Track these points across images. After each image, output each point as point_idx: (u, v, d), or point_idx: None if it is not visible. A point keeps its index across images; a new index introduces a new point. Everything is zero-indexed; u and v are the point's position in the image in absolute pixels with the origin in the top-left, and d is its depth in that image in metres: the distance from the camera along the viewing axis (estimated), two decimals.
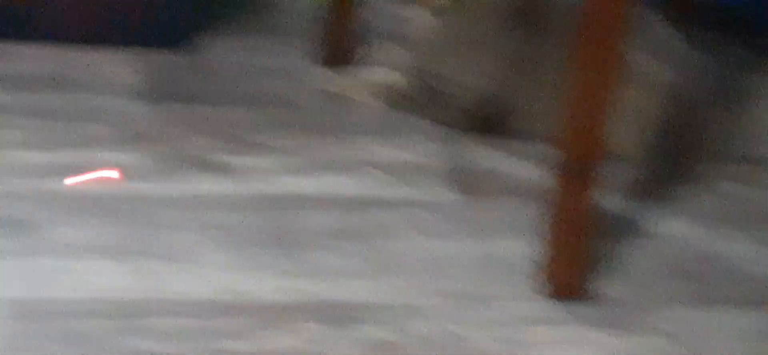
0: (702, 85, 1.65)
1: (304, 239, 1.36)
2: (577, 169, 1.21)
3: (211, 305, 1.20)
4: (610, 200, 1.38)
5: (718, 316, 1.26)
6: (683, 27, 1.67)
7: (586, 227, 1.23)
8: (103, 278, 1.23)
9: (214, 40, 2.02)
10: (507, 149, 1.68)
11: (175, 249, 1.31)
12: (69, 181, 1.46)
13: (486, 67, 1.71)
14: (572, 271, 1.25)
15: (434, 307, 1.24)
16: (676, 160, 1.66)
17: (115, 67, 1.88)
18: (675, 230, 1.46)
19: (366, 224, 1.42)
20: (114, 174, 1.50)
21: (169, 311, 1.18)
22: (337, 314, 1.20)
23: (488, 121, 1.72)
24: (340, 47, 1.96)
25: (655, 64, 1.63)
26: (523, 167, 1.62)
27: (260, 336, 1.15)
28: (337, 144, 1.66)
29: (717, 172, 1.63)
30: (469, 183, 1.55)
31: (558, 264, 1.24)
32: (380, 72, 1.84)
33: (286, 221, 1.41)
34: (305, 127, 1.72)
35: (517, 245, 1.39)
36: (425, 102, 1.76)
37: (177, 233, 1.35)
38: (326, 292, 1.25)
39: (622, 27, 1.21)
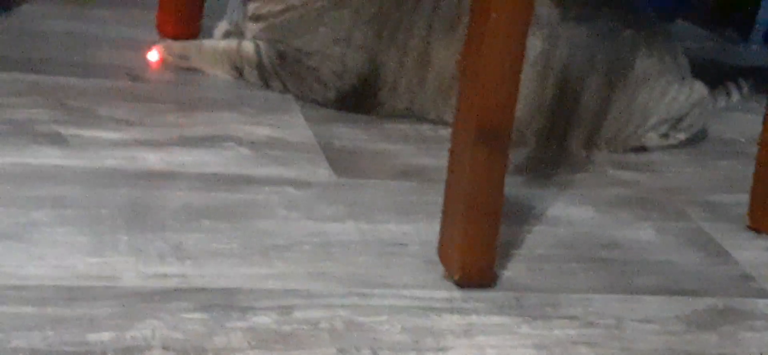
0: (586, 67, 1.54)
1: (165, 218, 1.17)
2: (491, 137, 1.07)
3: (59, 291, 0.99)
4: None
5: (632, 303, 1.14)
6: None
7: (497, 206, 1.09)
8: None
9: (40, 6, 1.79)
10: (377, 127, 1.53)
11: (5, 226, 1.10)
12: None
13: (352, 40, 1.56)
14: (482, 255, 1.10)
15: (326, 293, 1.07)
16: (562, 144, 1.55)
17: None
18: (574, 215, 1.34)
19: (234, 202, 1.23)
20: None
21: (5, 297, 0.97)
22: (216, 302, 1.02)
23: (354, 98, 1.57)
24: (182, 17, 1.79)
25: (536, 40, 1.51)
26: (395, 147, 1.47)
27: (129, 327, 0.95)
28: (191, 118, 1.47)
29: (605, 158, 1.53)
30: (342, 162, 1.39)
31: (466, 247, 1.10)
32: (231, 44, 1.65)
33: (141, 198, 1.21)
34: (152, 99, 1.52)
35: (403, 227, 1.24)
36: (283, 75, 1.59)
37: (6, 209, 1.13)
38: (200, 277, 1.06)
39: None
